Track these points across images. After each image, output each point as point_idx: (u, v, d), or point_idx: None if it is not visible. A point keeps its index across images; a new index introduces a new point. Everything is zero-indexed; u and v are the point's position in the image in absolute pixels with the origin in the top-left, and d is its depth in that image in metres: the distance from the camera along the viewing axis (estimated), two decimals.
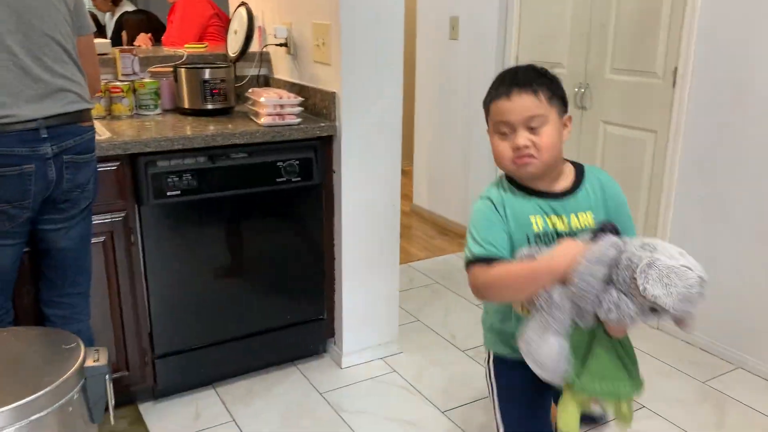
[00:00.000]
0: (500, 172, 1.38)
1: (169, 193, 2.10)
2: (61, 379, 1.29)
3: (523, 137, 1.26)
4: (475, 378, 2.45)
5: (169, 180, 2.10)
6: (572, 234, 1.31)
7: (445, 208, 4.10)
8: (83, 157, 1.76)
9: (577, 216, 1.33)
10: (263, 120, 2.25)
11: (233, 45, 2.58)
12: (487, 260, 1.28)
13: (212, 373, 2.37)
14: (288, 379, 2.44)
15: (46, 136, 1.65)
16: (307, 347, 2.55)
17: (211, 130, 2.18)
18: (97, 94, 2.15)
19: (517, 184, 1.35)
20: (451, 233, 4.02)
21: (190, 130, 2.19)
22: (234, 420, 2.20)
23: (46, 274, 1.85)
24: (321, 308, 2.50)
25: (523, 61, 3.36)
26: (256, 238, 2.31)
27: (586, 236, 1.26)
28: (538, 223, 1.31)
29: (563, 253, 1.21)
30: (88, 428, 1.40)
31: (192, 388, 2.34)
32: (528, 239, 1.31)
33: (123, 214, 2.04)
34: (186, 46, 2.83)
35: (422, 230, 4.11)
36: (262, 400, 2.31)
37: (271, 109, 2.24)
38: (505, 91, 1.27)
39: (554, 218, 1.32)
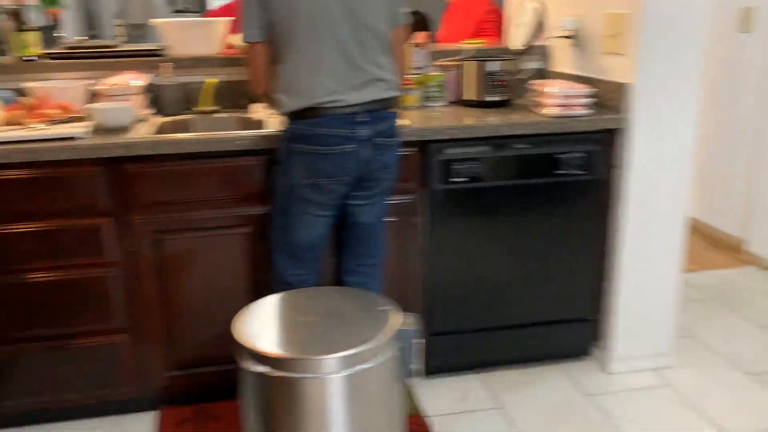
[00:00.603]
0: None
1: (453, 179, 2.19)
2: (387, 337, 1.41)
3: None
4: (762, 405, 2.19)
5: (455, 167, 2.19)
6: None
7: (721, 219, 3.71)
8: (391, 140, 1.91)
9: None
10: (549, 110, 2.24)
11: (517, 38, 2.60)
12: None
13: (477, 359, 2.42)
14: (552, 377, 2.40)
15: (364, 120, 1.82)
16: (573, 347, 2.48)
17: (496, 120, 2.23)
18: (404, 85, 2.28)
19: None
20: (724, 246, 3.63)
21: (475, 120, 2.26)
22: (501, 408, 2.22)
23: (349, 245, 2.04)
24: (591, 309, 2.42)
25: None
26: (531, 229, 2.30)
27: None
28: None
29: None
30: (394, 386, 1.51)
31: (457, 370, 2.41)
32: None
33: (413, 197, 2.17)
34: (463, 41, 2.92)
35: (690, 240, 3.77)
36: (527, 393, 2.30)
37: (559, 99, 2.21)
38: None
39: None
